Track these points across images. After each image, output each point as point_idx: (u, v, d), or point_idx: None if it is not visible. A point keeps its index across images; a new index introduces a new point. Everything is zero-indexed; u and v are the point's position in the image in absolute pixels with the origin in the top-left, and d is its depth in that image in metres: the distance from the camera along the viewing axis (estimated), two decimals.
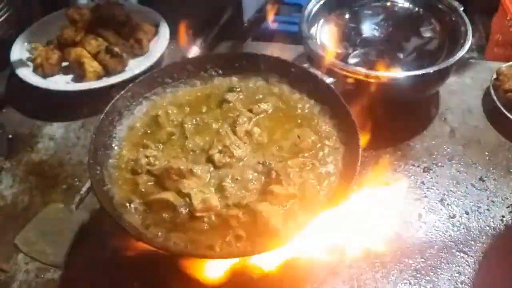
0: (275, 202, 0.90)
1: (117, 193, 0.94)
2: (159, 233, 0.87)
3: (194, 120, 1.07)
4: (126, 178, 0.97)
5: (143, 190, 0.94)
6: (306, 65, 1.18)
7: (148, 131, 1.07)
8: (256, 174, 0.96)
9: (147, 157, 0.98)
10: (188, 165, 0.94)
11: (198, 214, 0.88)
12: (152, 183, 0.95)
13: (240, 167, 0.97)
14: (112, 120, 1.04)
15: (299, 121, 1.08)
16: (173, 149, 1.02)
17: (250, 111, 1.09)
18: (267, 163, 0.96)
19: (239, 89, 1.14)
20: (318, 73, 1.14)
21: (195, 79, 1.16)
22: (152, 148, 1.00)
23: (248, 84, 1.16)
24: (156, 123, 1.07)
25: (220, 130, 1.02)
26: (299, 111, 1.10)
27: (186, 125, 1.05)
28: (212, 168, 0.97)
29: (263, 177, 0.95)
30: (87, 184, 1.21)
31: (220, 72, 1.17)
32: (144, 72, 1.46)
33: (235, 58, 1.17)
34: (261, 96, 1.13)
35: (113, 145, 1.02)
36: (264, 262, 0.94)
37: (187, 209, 0.89)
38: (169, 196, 0.90)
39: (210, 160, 0.98)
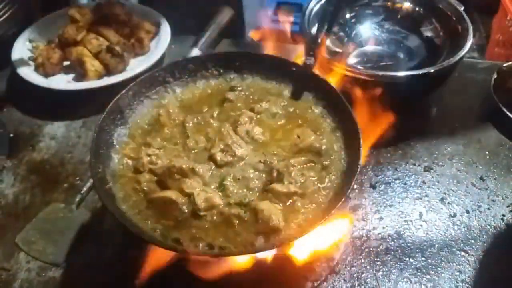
0: (277, 200, 0.90)
1: (119, 192, 0.94)
2: (161, 231, 0.88)
3: (196, 119, 1.07)
4: (128, 176, 0.97)
5: (145, 188, 0.94)
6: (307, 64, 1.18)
7: (150, 130, 1.07)
8: (257, 172, 0.96)
9: (149, 155, 0.98)
10: (190, 164, 0.94)
11: (201, 213, 0.88)
12: (154, 181, 0.95)
13: (241, 166, 0.97)
14: (113, 119, 1.04)
15: (299, 120, 1.08)
16: (175, 148, 1.02)
17: (252, 110, 1.09)
18: (269, 162, 0.96)
19: (240, 88, 1.14)
20: (319, 72, 1.14)
21: (196, 78, 1.16)
22: (154, 147, 1.01)
23: (249, 83, 1.16)
24: (158, 122, 1.08)
25: (222, 129, 1.03)
26: (300, 110, 1.10)
27: (187, 124, 1.06)
28: (213, 167, 0.97)
29: (264, 176, 0.95)
30: (88, 184, 1.21)
31: (221, 71, 1.17)
32: (145, 72, 1.46)
33: (236, 57, 1.17)
34: (262, 95, 1.13)
35: (115, 143, 1.02)
36: (265, 260, 0.94)
37: (190, 208, 0.89)
38: (172, 194, 0.90)
39: (212, 159, 0.98)
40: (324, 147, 1.00)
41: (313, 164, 0.97)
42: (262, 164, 0.97)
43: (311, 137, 1.02)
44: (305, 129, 1.05)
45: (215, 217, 0.89)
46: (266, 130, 1.06)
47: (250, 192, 0.93)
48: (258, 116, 1.08)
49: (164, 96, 1.13)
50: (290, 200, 0.91)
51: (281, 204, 0.90)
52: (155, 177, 0.96)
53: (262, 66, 1.16)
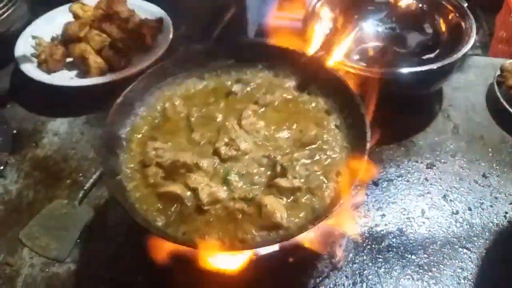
0: (281, 195, 0.90)
1: (127, 184, 0.95)
2: (167, 224, 0.88)
3: (201, 112, 1.07)
4: (136, 169, 0.98)
5: (152, 181, 0.95)
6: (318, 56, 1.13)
7: (157, 123, 1.07)
8: (261, 167, 0.95)
9: (155, 149, 0.98)
10: (194, 159, 0.94)
11: (205, 208, 0.88)
12: (161, 175, 0.96)
13: (245, 161, 0.96)
14: (123, 111, 1.04)
15: (304, 114, 1.06)
16: (180, 141, 1.02)
17: (256, 102, 1.08)
18: (272, 156, 0.96)
19: (246, 80, 1.13)
20: (331, 66, 1.10)
21: (204, 69, 1.15)
22: (160, 140, 1.01)
23: (256, 75, 1.14)
24: (165, 114, 1.08)
25: (226, 123, 1.02)
26: (306, 104, 1.08)
27: (192, 118, 1.05)
28: (218, 161, 0.97)
29: (268, 171, 0.95)
30: (91, 180, 1.22)
31: (229, 62, 1.15)
32: (148, 68, 1.46)
33: (244, 48, 1.16)
34: (268, 87, 1.11)
35: (124, 136, 1.02)
36: (268, 256, 0.94)
37: (194, 202, 0.90)
38: (177, 188, 0.90)
39: (216, 153, 0.98)
40: (326, 144, 0.99)
41: (318, 158, 0.96)
42: (266, 158, 0.97)
43: (313, 130, 1.01)
44: (308, 123, 1.03)
45: (219, 212, 0.89)
46: (270, 123, 1.04)
47: (255, 187, 0.92)
48: (263, 109, 1.07)
49: (172, 88, 1.13)
50: (294, 195, 0.91)
51: (284, 199, 0.90)
52: (162, 171, 0.96)
53: (270, 57, 1.14)
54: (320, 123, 1.04)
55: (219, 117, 1.06)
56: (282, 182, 0.91)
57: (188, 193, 0.91)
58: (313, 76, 1.10)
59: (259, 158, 0.97)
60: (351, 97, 1.01)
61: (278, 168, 0.93)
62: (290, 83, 1.13)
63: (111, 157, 0.96)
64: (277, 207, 0.87)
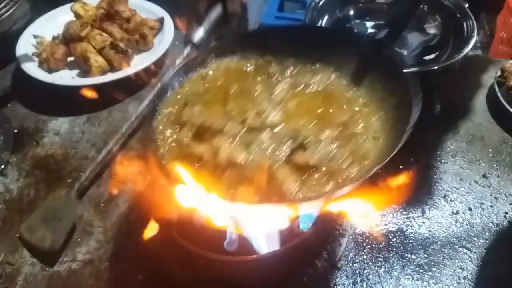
0: (296, 171, 0.87)
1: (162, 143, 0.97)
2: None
3: (239, 87, 1.07)
4: (169, 127, 1.00)
5: (182, 140, 0.96)
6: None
7: (199, 92, 1.08)
8: (283, 143, 0.93)
9: (189, 112, 1.00)
10: (221, 124, 0.95)
11: (221, 169, 0.89)
12: (190, 136, 0.97)
13: (269, 134, 0.94)
14: (175, 79, 1.07)
15: (345, 106, 1.00)
16: (215, 108, 1.03)
17: (293, 85, 1.05)
18: (297, 134, 0.93)
19: (292, 68, 1.10)
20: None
21: (254, 49, 1.13)
22: (197, 105, 1.02)
23: (304, 62, 1.11)
24: (207, 85, 1.09)
25: (258, 96, 1.02)
26: (348, 95, 1.03)
27: (229, 91, 1.06)
28: (243, 130, 0.96)
29: (289, 147, 0.92)
30: (86, 173, 1.21)
31: (281, 46, 1.12)
32: (149, 68, 1.48)
33: (298, 32, 1.14)
34: (309, 72, 1.08)
35: (168, 95, 1.05)
36: (266, 255, 0.94)
37: (213, 163, 0.90)
38: (199, 149, 0.92)
39: (244, 122, 0.97)
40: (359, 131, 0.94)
41: (345, 141, 0.91)
42: (289, 134, 0.94)
43: (346, 116, 0.96)
44: (345, 111, 0.99)
45: (231, 175, 0.88)
46: (303, 103, 1.01)
47: (273, 160, 0.90)
48: (299, 89, 1.04)
49: (221, 62, 1.13)
50: (309, 174, 0.86)
51: (299, 176, 0.86)
52: (192, 132, 0.97)
53: (326, 45, 1.09)
54: (356, 115, 0.98)
55: (255, 92, 1.05)
56: (300, 158, 0.88)
57: (209, 154, 0.91)
58: (369, 65, 1.03)
59: (283, 133, 0.94)
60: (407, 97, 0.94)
61: (297, 144, 0.90)
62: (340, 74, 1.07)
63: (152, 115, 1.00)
64: (289, 179, 0.85)
